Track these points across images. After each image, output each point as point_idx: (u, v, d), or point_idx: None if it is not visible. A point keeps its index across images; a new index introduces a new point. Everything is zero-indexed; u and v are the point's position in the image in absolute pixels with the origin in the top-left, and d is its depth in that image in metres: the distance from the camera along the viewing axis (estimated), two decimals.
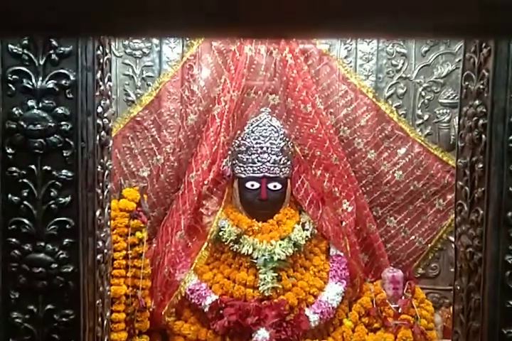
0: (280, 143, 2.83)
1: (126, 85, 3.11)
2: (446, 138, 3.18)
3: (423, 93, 3.24)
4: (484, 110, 1.58)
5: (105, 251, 1.46)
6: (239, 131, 2.95)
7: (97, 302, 1.39)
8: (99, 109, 1.46)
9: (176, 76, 3.08)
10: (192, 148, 3.02)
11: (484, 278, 1.57)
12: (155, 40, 3.12)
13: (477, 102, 1.63)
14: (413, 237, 3.16)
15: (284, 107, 3.10)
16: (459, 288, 1.74)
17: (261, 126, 2.85)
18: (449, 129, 3.20)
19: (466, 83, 1.72)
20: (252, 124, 2.88)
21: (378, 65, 3.24)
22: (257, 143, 2.80)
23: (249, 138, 2.83)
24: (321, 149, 2.97)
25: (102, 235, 1.46)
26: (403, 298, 2.78)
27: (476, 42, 1.68)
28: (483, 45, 1.63)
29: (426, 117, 3.23)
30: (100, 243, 1.44)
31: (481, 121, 1.59)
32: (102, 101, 1.49)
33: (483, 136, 1.55)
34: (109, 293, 1.50)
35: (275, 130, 2.85)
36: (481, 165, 1.55)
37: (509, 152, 1.49)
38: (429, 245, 3.16)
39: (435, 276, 3.18)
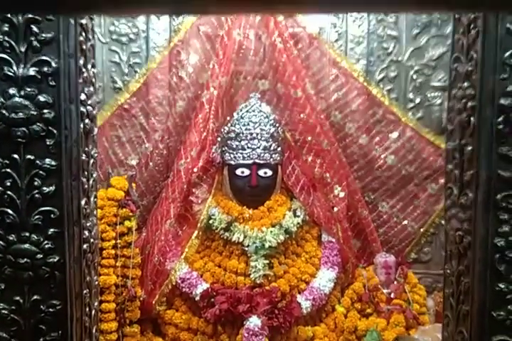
0: (270, 129, 2.82)
1: (112, 72, 3.08)
2: (438, 122, 3.19)
3: (414, 76, 3.24)
4: (473, 92, 1.58)
5: (92, 240, 1.46)
6: (228, 117, 2.94)
7: (85, 292, 1.39)
8: (83, 97, 1.45)
9: (164, 62, 3.06)
10: (181, 135, 3.01)
11: (474, 262, 1.58)
12: (141, 26, 3.10)
13: (466, 84, 1.63)
14: (405, 222, 3.18)
15: (274, 92, 3.08)
16: (449, 271, 1.75)
17: (250, 112, 2.84)
18: (441, 112, 3.21)
19: (455, 65, 1.72)
20: (241, 110, 2.87)
21: (369, 48, 3.22)
22: (246, 129, 2.79)
23: (238, 124, 2.82)
24: (312, 134, 2.96)
25: (88, 224, 1.46)
26: (395, 282, 2.80)
27: (464, 24, 1.68)
28: (472, 26, 1.63)
29: (417, 101, 3.23)
30: (86, 232, 1.43)
31: (469, 104, 1.59)
32: (86, 89, 1.47)
33: (472, 119, 1.55)
34: (96, 282, 1.50)
35: (265, 116, 2.84)
36: (470, 148, 1.55)
37: (498, 134, 1.50)
38: (422, 229, 3.19)
39: (428, 261, 3.21)
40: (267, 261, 2.69)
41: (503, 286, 1.54)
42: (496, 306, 1.55)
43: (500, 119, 1.49)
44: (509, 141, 1.49)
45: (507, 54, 1.53)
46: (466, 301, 1.63)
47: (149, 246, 2.74)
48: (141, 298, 2.60)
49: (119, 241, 2.43)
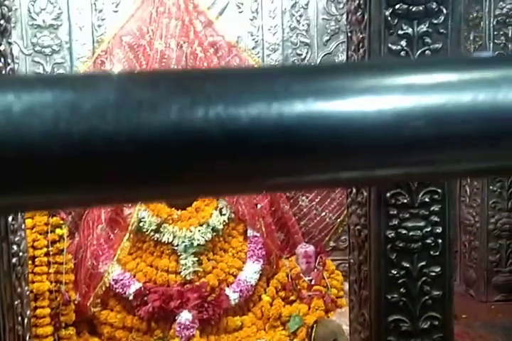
0: None
1: None
2: None
3: None
4: None
5: (20, 254, 1.51)
6: None
7: (16, 302, 1.44)
8: None
9: (88, 72, 3.08)
10: None
11: (370, 252, 1.76)
12: (64, 38, 3.09)
13: None
14: (324, 213, 3.37)
15: None
16: (352, 261, 1.93)
17: None
18: None
19: None
20: None
21: (284, 54, 3.37)
22: None
23: None
24: None
25: (16, 239, 1.51)
26: (315, 270, 2.98)
27: (355, 43, 1.84)
28: (360, 45, 1.79)
29: None
30: (15, 247, 1.48)
31: None
32: None
33: None
34: (27, 293, 1.56)
35: None
36: None
37: None
38: (339, 220, 3.39)
39: (345, 248, 3.41)
40: (196, 259, 2.79)
41: (395, 272, 1.73)
42: (390, 290, 1.73)
43: None
44: None
45: None
46: (366, 287, 1.81)
47: (82, 250, 2.78)
48: (76, 301, 2.64)
49: (51, 248, 2.45)
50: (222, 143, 0.20)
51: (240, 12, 3.30)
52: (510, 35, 3.14)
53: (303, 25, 3.37)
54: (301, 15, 3.36)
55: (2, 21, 1.56)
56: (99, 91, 0.20)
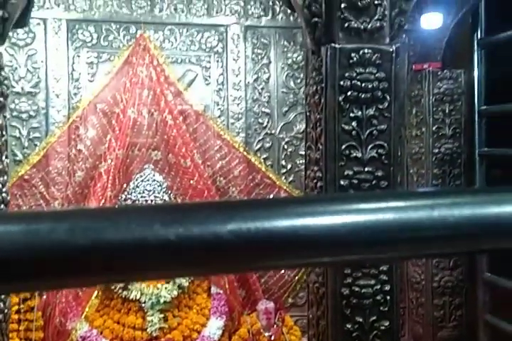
0: (163, 196, 3.06)
1: (13, 146, 3.17)
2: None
3: (285, 146, 3.68)
4: (320, 175, 1.97)
5: (6, 311, 1.59)
6: (125, 185, 3.14)
7: None
8: None
9: (63, 136, 3.22)
10: (80, 202, 3.15)
11: (327, 308, 1.91)
12: (41, 104, 3.25)
13: (316, 168, 2.02)
14: (283, 271, 3.52)
15: (166, 162, 3.35)
16: (311, 316, 2.07)
17: (145, 181, 3.08)
18: None
19: (308, 152, 2.12)
20: (136, 180, 3.09)
21: (247, 123, 3.63)
22: (142, 196, 3.02)
23: (134, 192, 3.03)
24: (201, 198, 3.25)
25: (3, 297, 1.59)
26: (275, 326, 3.08)
27: (313, 122, 2.09)
28: (318, 124, 2.04)
29: (289, 167, 3.67)
30: (1, 304, 1.57)
31: (318, 184, 1.98)
32: (1, 178, 1.64)
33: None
34: None
35: (158, 184, 3.09)
36: None
37: None
38: (297, 277, 3.53)
39: (303, 304, 3.54)
40: (162, 315, 2.85)
41: (349, 326, 1.88)
42: None
43: None
44: None
45: (343, 146, 1.94)
46: (324, 340, 1.95)
47: (50, 308, 2.80)
48: None
49: (22, 306, 2.48)
50: (245, 243, 0.38)
51: (207, 84, 3.57)
52: (447, 111, 3.51)
53: (264, 97, 3.66)
54: (262, 88, 3.66)
55: (1, 99, 1.72)
56: (171, 212, 0.38)
